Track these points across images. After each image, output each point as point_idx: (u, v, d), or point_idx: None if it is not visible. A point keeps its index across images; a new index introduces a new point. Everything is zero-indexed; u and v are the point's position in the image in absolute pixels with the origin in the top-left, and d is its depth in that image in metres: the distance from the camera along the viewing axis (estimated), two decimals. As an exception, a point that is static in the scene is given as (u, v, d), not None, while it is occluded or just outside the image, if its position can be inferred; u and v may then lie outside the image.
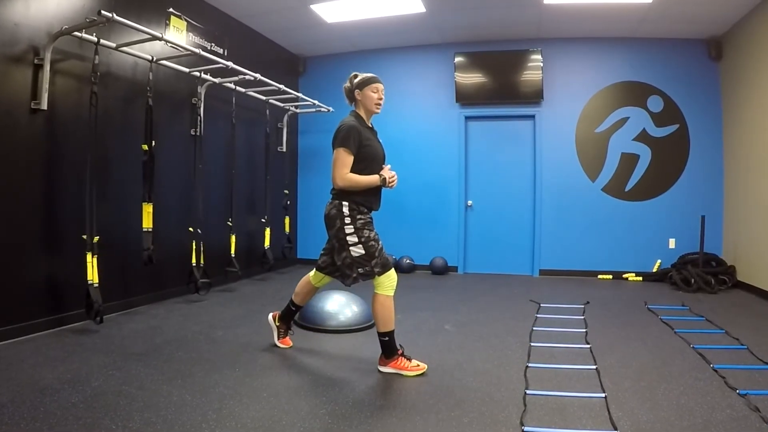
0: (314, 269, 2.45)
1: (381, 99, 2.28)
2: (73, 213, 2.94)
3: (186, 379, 2.11)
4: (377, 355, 2.31)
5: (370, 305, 3.11)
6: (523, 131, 5.35)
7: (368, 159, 2.22)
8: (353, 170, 2.19)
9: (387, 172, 2.26)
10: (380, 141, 2.36)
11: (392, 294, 2.23)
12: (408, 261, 5.35)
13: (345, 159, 2.17)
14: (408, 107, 5.53)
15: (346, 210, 2.19)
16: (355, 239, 2.18)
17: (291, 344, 2.63)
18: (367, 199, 2.24)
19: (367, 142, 2.22)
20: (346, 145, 2.16)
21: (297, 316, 3.07)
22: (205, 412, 1.79)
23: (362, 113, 2.30)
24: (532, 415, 1.79)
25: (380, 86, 2.28)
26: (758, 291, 4.08)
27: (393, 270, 2.25)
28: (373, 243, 2.19)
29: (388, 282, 2.21)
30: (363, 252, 2.18)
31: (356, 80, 2.28)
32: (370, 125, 2.35)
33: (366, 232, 2.19)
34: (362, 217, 2.21)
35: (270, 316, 2.66)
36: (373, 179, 2.21)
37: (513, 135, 5.39)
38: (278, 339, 2.62)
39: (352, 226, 2.18)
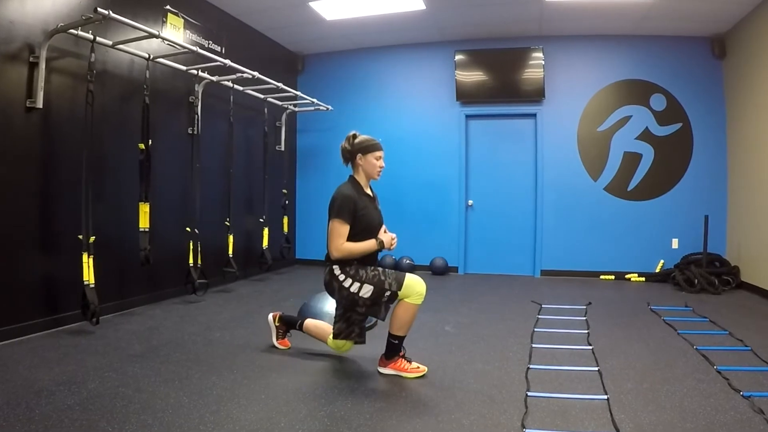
0: (332, 336, 2.36)
1: (383, 167, 2.27)
2: (69, 213, 2.92)
3: (183, 381, 2.10)
4: (377, 356, 2.30)
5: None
6: (525, 130, 5.32)
7: (362, 228, 2.19)
8: (348, 238, 2.16)
9: (384, 235, 2.23)
10: (378, 208, 2.34)
11: (420, 303, 2.18)
12: (408, 261, 5.33)
13: (340, 230, 2.14)
14: (408, 106, 5.51)
15: (336, 271, 2.19)
16: (358, 285, 2.16)
17: (289, 345, 2.61)
18: (361, 263, 2.21)
19: (363, 212, 2.19)
20: (340, 216, 2.14)
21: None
22: (203, 414, 1.78)
23: (360, 179, 2.28)
24: (533, 417, 1.78)
25: (382, 153, 2.26)
26: (762, 292, 4.05)
27: (416, 279, 2.16)
28: (374, 274, 2.17)
29: (414, 294, 2.15)
30: (372, 287, 2.16)
31: (356, 142, 2.25)
32: (369, 191, 2.32)
33: (362, 273, 2.17)
34: (352, 267, 2.18)
35: (270, 316, 2.64)
36: (369, 245, 2.18)
37: (514, 134, 5.36)
38: (277, 339, 2.61)
39: (348, 279, 2.17)
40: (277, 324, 2.61)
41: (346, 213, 2.14)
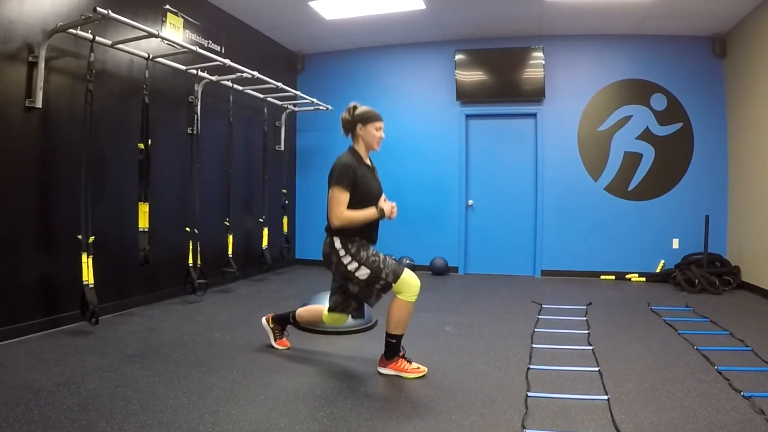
0: (327, 310, 2.38)
1: (383, 137, 2.26)
2: (68, 213, 2.92)
3: (182, 382, 2.09)
4: (377, 356, 2.30)
5: (368, 305, 3.10)
6: (525, 130, 5.31)
7: (363, 197, 2.17)
8: (348, 206, 2.15)
9: (384, 204, 2.20)
10: (378, 178, 2.33)
11: (414, 300, 2.18)
12: (408, 261, 5.32)
13: (340, 197, 2.12)
14: (408, 105, 5.50)
15: (338, 244, 2.17)
16: (356, 265, 2.15)
17: (289, 345, 2.60)
18: (362, 234, 2.20)
19: (363, 180, 2.18)
20: (340, 184, 2.13)
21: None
22: (202, 414, 1.78)
23: (360, 149, 2.27)
24: (533, 418, 1.77)
25: (382, 123, 2.25)
26: (763, 292, 4.04)
27: (412, 276, 2.17)
28: (374, 259, 2.16)
29: (407, 290, 2.15)
30: (369, 272, 2.14)
31: (357, 113, 2.24)
32: (368, 162, 2.31)
33: (363, 254, 2.16)
34: (354, 244, 2.17)
35: (263, 319, 2.64)
36: (369, 213, 2.16)
37: (514, 133, 5.35)
38: (275, 341, 2.60)
39: (348, 256, 2.15)
40: (271, 326, 2.60)
41: (345, 181, 2.13)
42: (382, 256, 2.18)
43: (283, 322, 2.59)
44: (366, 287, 2.16)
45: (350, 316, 2.33)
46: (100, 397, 1.90)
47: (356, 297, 2.25)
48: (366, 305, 2.30)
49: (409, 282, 2.15)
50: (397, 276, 2.13)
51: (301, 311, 2.50)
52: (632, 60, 5.01)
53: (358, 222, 2.15)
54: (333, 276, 2.28)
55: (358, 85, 5.61)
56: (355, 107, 2.26)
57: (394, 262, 2.19)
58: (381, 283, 2.15)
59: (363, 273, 2.14)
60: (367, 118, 2.22)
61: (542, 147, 5.20)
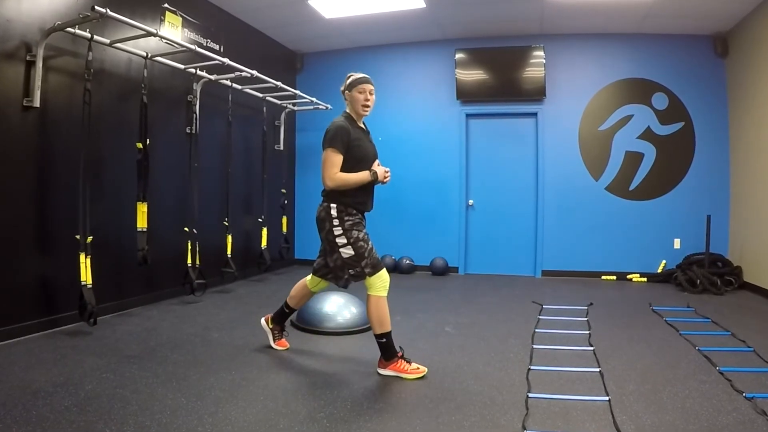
0: (311, 273, 2.43)
1: (368, 100, 2.25)
2: (66, 212, 2.90)
3: (181, 382, 2.09)
4: (376, 357, 2.29)
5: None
6: (525, 129, 5.29)
7: (358, 159, 2.21)
8: (342, 168, 2.17)
9: (378, 167, 2.25)
10: (372, 142, 2.35)
11: (385, 294, 2.22)
12: (408, 261, 5.31)
13: (333, 159, 2.15)
14: (408, 105, 5.48)
15: (334, 212, 2.19)
16: (344, 240, 2.17)
17: (288, 346, 2.59)
18: (357, 200, 2.22)
19: (357, 143, 2.21)
20: (333, 146, 2.16)
21: (295, 318, 3.05)
22: (201, 415, 1.77)
23: (353, 113, 2.29)
24: (534, 419, 1.76)
25: (367, 87, 2.24)
26: (765, 292, 4.03)
27: (384, 270, 2.23)
28: (362, 244, 2.18)
29: (379, 283, 2.20)
30: (353, 253, 2.17)
31: (347, 81, 2.28)
32: (362, 125, 2.33)
33: (355, 233, 2.18)
34: (351, 218, 2.20)
35: (263, 320, 2.63)
36: (363, 176, 2.19)
37: (515, 133, 5.33)
38: (274, 342, 2.59)
39: (340, 228, 2.18)
40: (270, 326, 2.59)
41: (339, 142, 2.15)
42: (369, 246, 2.20)
43: (281, 320, 2.58)
44: (342, 266, 2.19)
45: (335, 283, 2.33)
46: (99, 397, 1.89)
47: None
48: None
49: (383, 277, 2.20)
50: (374, 270, 2.17)
51: (293, 294, 2.51)
52: (633, 59, 4.99)
53: (351, 183, 2.17)
54: (321, 240, 2.29)
55: (358, 84, 5.60)
56: (349, 76, 2.28)
57: (377, 256, 2.22)
58: (357, 270, 2.17)
59: (347, 252, 2.17)
60: (351, 83, 2.24)
61: (543, 146, 5.18)
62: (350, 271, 2.19)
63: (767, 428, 1.67)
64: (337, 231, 2.18)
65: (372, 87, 2.26)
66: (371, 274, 2.17)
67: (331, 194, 2.20)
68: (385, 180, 2.25)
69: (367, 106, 2.26)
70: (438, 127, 5.43)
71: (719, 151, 4.85)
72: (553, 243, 5.15)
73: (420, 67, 5.48)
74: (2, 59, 2.61)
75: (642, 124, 4.98)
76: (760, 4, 4.11)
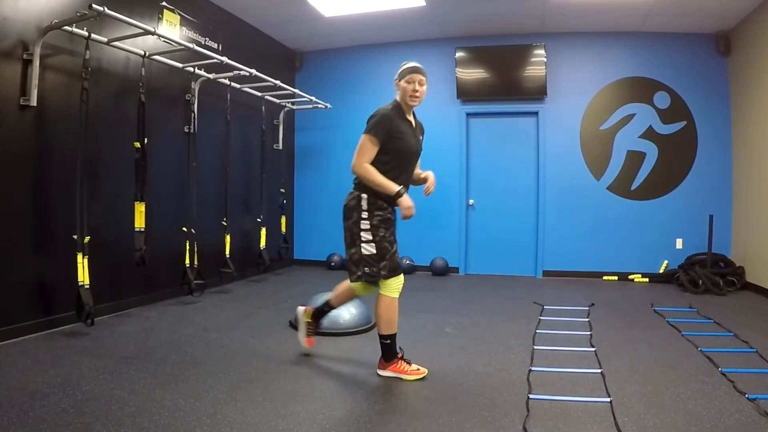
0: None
1: (416, 91, 2.14)
2: (64, 212, 2.88)
3: (179, 384, 2.08)
4: (376, 358, 2.28)
5: (368, 307, 3.07)
6: (526, 128, 5.27)
7: (397, 153, 2.12)
8: (378, 160, 2.10)
9: (406, 201, 2.11)
10: (419, 137, 2.28)
11: (397, 296, 2.17)
12: (408, 262, 5.29)
13: (368, 147, 2.07)
14: (408, 104, 5.46)
15: (364, 204, 2.11)
16: (369, 236, 2.10)
17: (312, 346, 2.48)
18: (385, 218, 2.15)
19: (399, 135, 2.11)
20: (373, 133, 2.07)
21: (294, 319, 3.02)
22: (200, 417, 1.76)
23: (402, 104, 2.20)
24: (535, 420, 1.75)
25: (417, 76, 2.14)
26: (768, 292, 4.01)
27: (402, 274, 2.17)
28: (386, 245, 2.11)
29: (395, 284, 2.14)
30: (374, 252, 2.10)
31: (399, 70, 2.20)
32: (410, 118, 2.25)
33: (381, 231, 2.11)
34: (380, 213, 2.12)
35: (301, 309, 2.47)
36: (390, 187, 2.08)
37: (516, 132, 5.31)
38: (305, 337, 2.46)
39: (368, 222, 2.10)
40: (308, 320, 2.44)
41: (381, 131, 2.06)
42: (393, 248, 2.14)
43: (319, 316, 2.46)
44: (358, 262, 2.11)
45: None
46: (96, 399, 1.89)
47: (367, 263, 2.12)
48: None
49: (399, 278, 2.15)
50: (391, 274, 2.11)
51: (335, 295, 2.36)
52: (635, 57, 4.97)
53: (374, 184, 2.07)
54: (344, 229, 2.19)
55: (357, 83, 5.58)
56: (402, 65, 2.21)
57: (397, 260, 2.16)
58: (373, 270, 2.10)
59: (368, 248, 2.09)
60: (401, 73, 2.16)
61: (544, 146, 5.16)
62: (366, 269, 2.09)
63: (770, 430, 1.66)
64: (364, 225, 2.10)
65: (422, 77, 2.15)
66: (387, 277, 2.10)
67: (360, 183, 2.12)
68: (405, 213, 2.11)
69: (416, 97, 2.15)
70: (438, 126, 5.40)
71: (722, 150, 4.83)
72: (554, 243, 5.13)
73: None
74: (-1, 58, 2.60)
75: (644, 123, 4.96)
76: (762, 2, 4.09)
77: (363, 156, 2.07)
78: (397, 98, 2.20)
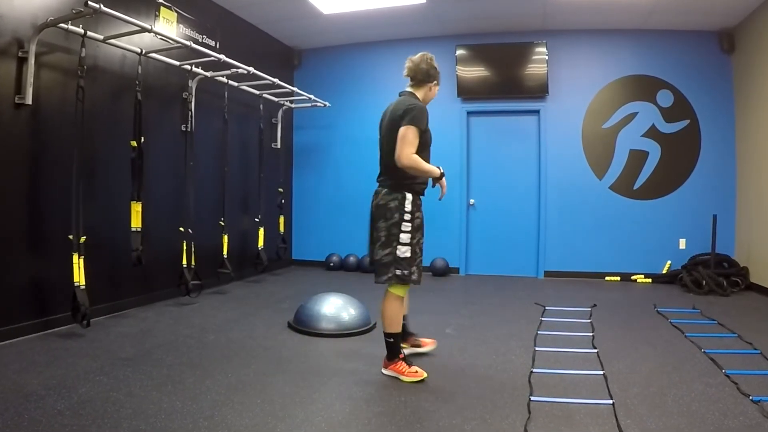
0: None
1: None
2: (59, 212, 2.87)
3: (176, 385, 2.07)
4: (376, 359, 2.28)
5: (367, 307, 3.05)
6: (528, 127, 5.24)
7: (425, 146, 2.19)
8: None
9: (444, 180, 2.24)
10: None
11: (404, 296, 2.19)
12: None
13: (412, 138, 2.09)
14: (408, 103, 5.43)
15: (408, 205, 2.11)
16: (407, 239, 2.10)
17: (428, 343, 2.49)
18: (422, 186, 2.21)
19: (428, 128, 2.19)
20: (418, 124, 2.09)
21: (292, 319, 3.05)
22: (197, 419, 1.75)
23: (423, 102, 2.28)
24: (536, 423, 1.74)
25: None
26: (771, 292, 3.99)
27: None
28: (418, 250, 2.16)
29: (405, 287, 2.17)
30: (409, 255, 2.10)
31: (434, 70, 2.28)
32: None
33: (418, 235, 2.15)
34: (420, 214, 2.17)
35: (407, 350, 2.35)
36: (433, 170, 2.16)
37: (517, 131, 5.28)
38: (421, 347, 2.47)
39: (410, 224, 2.10)
40: (407, 346, 2.39)
41: (424, 123, 2.12)
42: (421, 256, 2.17)
43: (405, 336, 2.38)
44: (389, 264, 2.09)
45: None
46: (92, 401, 1.87)
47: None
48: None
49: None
50: (417, 280, 2.13)
51: (387, 323, 2.18)
52: (638, 55, 4.94)
53: (421, 171, 2.12)
54: (374, 229, 2.14)
55: (356, 81, 5.55)
56: (432, 58, 2.29)
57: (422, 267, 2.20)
58: (405, 273, 2.09)
59: (404, 251, 2.09)
60: (437, 81, 2.31)
61: (545, 145, 5.13)
62: (397, 271, 2.07)
63: (775, 433, 1.65)
64: (406, 227, 2.09)
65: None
66: (416, 283, 2.12)
67: (402, 182, 2.12)
68: (443, 190, 2.23)
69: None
70: (438, 125, 5.30)
71: (725, 149, 4.80)
72: (556, 243, 5.10)
73: (420, 64, 5.43)
74: (-7, 55, 2.58)
75: (647, 121, 4.93)
76: (766, 0, 4.05)
77: (410, 147, 2.08)
78: (418, 95, 2.26)
